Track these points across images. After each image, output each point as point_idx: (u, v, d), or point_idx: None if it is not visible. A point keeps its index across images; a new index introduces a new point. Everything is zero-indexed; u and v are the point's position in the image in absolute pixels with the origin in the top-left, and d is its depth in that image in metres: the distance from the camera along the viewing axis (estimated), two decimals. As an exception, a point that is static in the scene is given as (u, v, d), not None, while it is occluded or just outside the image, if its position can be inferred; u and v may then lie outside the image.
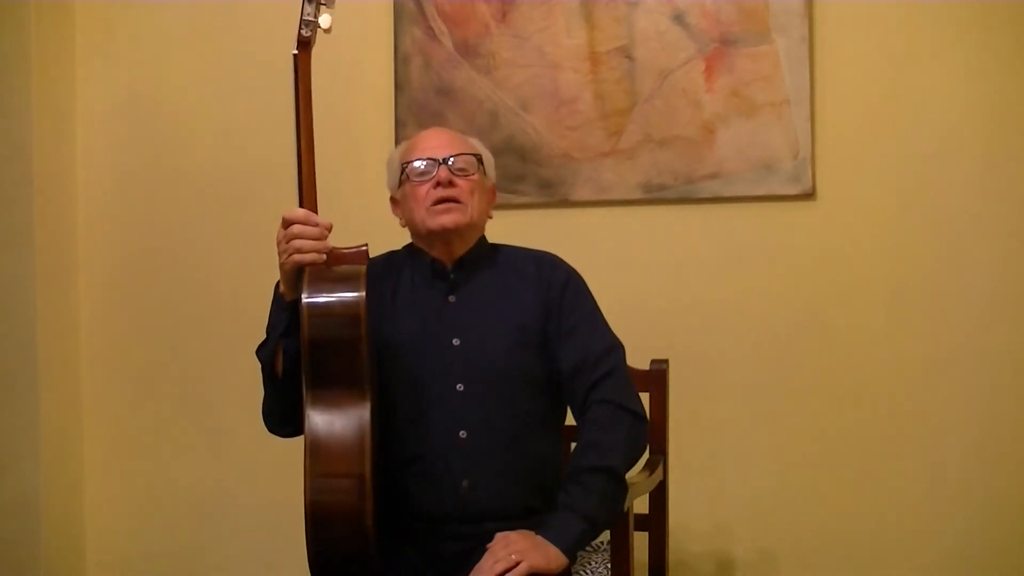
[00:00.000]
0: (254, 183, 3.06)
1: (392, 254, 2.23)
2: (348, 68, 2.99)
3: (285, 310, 1.97)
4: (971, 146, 2.62)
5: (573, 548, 1.93)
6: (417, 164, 2.11)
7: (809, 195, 2.69)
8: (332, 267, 1.94)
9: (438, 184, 2.09)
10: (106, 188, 3.17)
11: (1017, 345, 2.60)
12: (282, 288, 1.99)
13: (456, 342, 2.09)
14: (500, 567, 1.85)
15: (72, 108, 3.17)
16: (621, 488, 2.00)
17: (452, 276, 2.14)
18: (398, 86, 2.93)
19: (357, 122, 2.99)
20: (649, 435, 2.14)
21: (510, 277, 2.16)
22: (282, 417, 2.06)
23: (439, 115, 2.87)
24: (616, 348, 2.13)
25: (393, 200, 2.22)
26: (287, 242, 1.94)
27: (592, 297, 2.18)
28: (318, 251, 1.94)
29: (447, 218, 2.09)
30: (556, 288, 2.13)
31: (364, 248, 1.99)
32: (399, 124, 2.92)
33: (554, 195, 2.84)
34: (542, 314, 2.11)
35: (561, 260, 2.20)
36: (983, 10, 2.60)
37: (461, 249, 2.14)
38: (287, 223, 1.95)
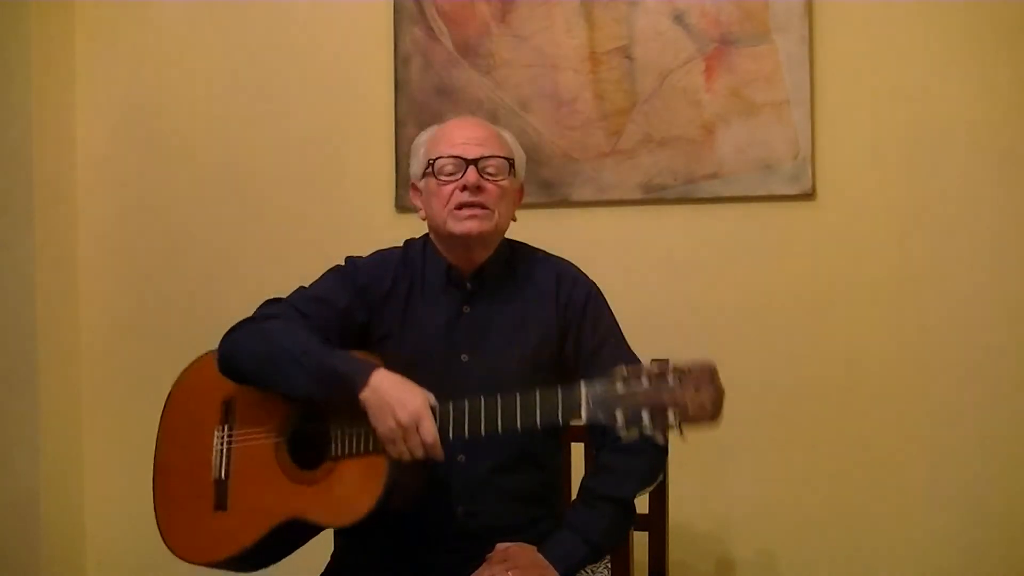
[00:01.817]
0: (254, 183, 3.07)
1: (408, 249, 2.13)
2: (348, 68, 2.99)
3: (338, 394, 1.86)
4: (971, 145, 2.62)
5: (572, 572, 1.90)
6: (444, 162, 1.99)
7: (809, 195, 2.69)
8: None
9: (465, 188, 1.97)
10: (106, 188, 3.17)
11: (1017, 344, 2.60)
12: (365, 393, 1.84)
13: (465, 358, 2.01)
14: None
15: (72, 108, 3.17)
16: (630, 517, 1.97)
17: (468, 286, 2.06)
18: (398, 86, 2.93)
19: (357, 122, 2.99)
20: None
21: (528, 292, 2.06)
22: (242, 376, 1.99)
23: (439, 115, 2.86)
24: None
25: (414, 187, 2.09)
26: (409, 435, 1.82)
27: (612, 314, 2.10)
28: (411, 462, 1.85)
29: (471, 224, 1.98)
30: (576, 307, 2.05)
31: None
32: (399, 124, 2.92)
33: (554, 195, 2.84)
34: (558, 334, 2.03)
35: (581, 274, 2.11)
36: (983, 10, 2.60)
37: (480, 256, 2.04)
38: (420, 429, 1.82)
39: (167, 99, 3.14)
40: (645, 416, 1.70)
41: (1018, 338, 2.59)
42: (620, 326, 2.12)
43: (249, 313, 2.08)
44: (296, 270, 2.98)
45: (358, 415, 1.86)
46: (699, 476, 2.71)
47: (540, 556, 1.88)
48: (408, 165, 2.15)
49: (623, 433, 1.72)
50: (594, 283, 2.12)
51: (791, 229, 2.72)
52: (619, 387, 1.72)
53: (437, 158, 2.01)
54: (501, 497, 2.00)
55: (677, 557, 2.64)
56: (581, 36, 2.82)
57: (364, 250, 2.18)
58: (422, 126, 2.85)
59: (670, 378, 1.71)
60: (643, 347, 2.21)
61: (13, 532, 3.06)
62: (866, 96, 2.67)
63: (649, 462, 2.01)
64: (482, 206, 1.98)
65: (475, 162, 1.98)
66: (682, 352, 2.55)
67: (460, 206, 1.98)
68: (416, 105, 2.91)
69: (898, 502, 2.67)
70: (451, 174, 1.99)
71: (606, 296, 2.14)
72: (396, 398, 1.82)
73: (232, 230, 3.08)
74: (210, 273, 3.10)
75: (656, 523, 2.37)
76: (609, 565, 2.09)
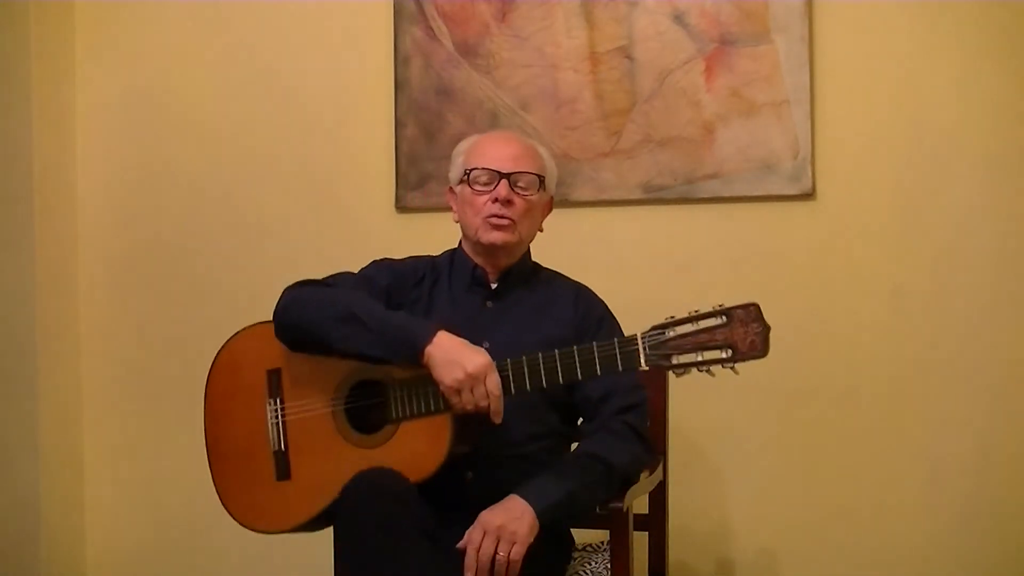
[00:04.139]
0: (253, 182, 3.07)
1: (435, 260, 2.26)
2: (348, 68, 2.99)
3: (401, 352, 1.96)
4: (971, 146, 2.62)
5: (548, 511, 1.95)
6: (480, 173, 2.15)
7: (809, 195, 2.70)
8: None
9: (496, 200, 2.13)
10: (106, 188, 3.17)
11: (1017, 345, 2.60)
12: (430, 348, 1.94)
13: (486, 345, 2.08)
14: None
15: (72, 108, 3.17)
16: (611, 483, 2.03)
17: (494, 285, 2.21)
18: (398, 86, 2.93)
19: (357, 122, 2.99)
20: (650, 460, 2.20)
21: (548, 297, 2.22)
22: (299, 331, 2.06)
23: (439, 115, 2.87)
24: (643, 387, 2.20)
25: (450, 191, 2.25)
26: (476, 386, 1.92)
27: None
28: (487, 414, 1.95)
29: (496, 235, 2.14)
30: (592, 319, 2.20)
31: None
32: (399, 124, 2.92)
33: (554, 195, 2.83)
34: (574, 336, 2.12)
35: (598, 296, 2.26)
36: (983, 10, 2.60)
37: (505, 263, 2.20)
38: (487, 381, 1.92)
39: (166, 99, 3.14)
40: (699, 357, 1.82)
41: (1018, 338, 2.59)
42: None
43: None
44: (296, 269, 2.98)
45: (416, 377, 1.96)
46: (699, 476, 2.72)
47: (512, 503, 1.94)
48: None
49: (677, 374, 1.85)
50: (609, 307, 2.26)
51: (791, 229, 2.72)
52: (671, 332, 1.84)
53: (473, 168, 2.16)
54: (512, 467, 2.07)
55: (677, 557, 2.64)
56: (581, 36, 2.82)
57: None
58: (422, 126, 2.88)
59: (719, 319, 1.82)
60: (643, 347, 2.21)
61: (13, 532, 3.06)
62: (866, 96, 2.67)
63: (639, 452, 2.11)
64: (509, 219, 2.14)
65: (508, 176, 2.14)
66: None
67: (490, 216, 2.14)
68: (416, 105, 2.91)
69: (898, 502, 2.67)
70: (485, 184, 2.15)
71: (607, 296, 2.25)
72: (463, 353, 1.94)
73: (232, 229, 3.08)
74: (210, 272, 3.10)
75: (656, 523, 2.38)
76: (609, 565, 2.09)
